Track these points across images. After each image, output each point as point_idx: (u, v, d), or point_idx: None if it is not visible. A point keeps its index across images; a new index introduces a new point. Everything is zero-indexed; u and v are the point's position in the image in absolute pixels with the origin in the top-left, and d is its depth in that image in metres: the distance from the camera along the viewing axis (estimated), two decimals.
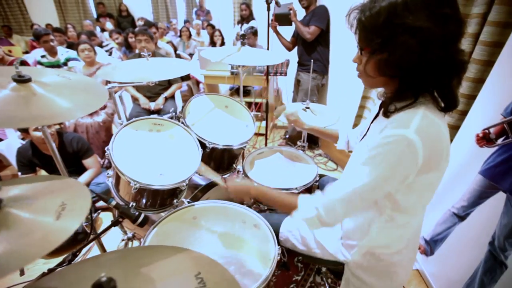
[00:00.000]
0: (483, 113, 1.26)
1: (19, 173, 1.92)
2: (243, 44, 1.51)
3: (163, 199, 1.15)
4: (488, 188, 1.23)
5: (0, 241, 0.45)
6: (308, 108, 1.55)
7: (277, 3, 1.86)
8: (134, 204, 1.11)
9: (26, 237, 0.47)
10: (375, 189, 0.68)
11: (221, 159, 1.41)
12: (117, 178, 1.12)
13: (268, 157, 1.54)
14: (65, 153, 1.95)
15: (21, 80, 0.71)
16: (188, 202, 1.18)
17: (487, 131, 1.22)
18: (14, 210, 0.51)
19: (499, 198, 1.16)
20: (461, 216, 1.36)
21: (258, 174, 1.36)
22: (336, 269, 0.97)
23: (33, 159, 1.90)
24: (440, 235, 1.48)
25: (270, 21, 2.44)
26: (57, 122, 0.79)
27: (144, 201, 1.15)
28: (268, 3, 1.71)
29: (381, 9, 0.61)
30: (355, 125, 2.28)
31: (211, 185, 1.42)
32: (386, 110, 0.71)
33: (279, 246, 0.96)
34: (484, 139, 1.24)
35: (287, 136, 3.11)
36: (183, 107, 1.36)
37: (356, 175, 0.70)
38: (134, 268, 0.65)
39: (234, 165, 1.48)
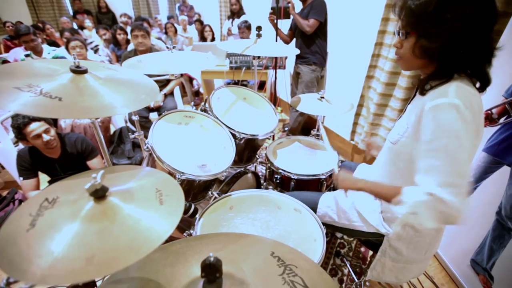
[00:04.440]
0: (485, 95, 1.37)
1: (21, 178, 1.81)
2: (258, 36, 1.53)
3: (200, 191, 1.16)
4: (492, 164, 1.35)
5: (116, 232, 0.45)
6: (323, 97, 1.60)
7: None
8: None
9: (138, 224, 0.47)
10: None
11: (246, 149, 1.42)
12: None
13: (289, 146, 1.58)
14: (69, 155, 1.87)
15: (78, 71, 0.69)
16: (218, 195, 1.19)
17: (489, 111, 1.34)
18: (117, 199, 0.50)
19: (503, 172, 1.28)
20: None
21: (284, 162, 1.40)
22: (376, 240, 1.03)
23: (35, 163, 1.80)
24: None
25: (268, 14, 2.47)
26: (105, 115, 0.78)
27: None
28: None
29: None
30: (357, 115, 2.38)
31: (235, 177, 1.44)
32: (422, 89, 0.79)
33: (324, 226, 1.00)
34: (487, 119, 1.36)
35: (287, 129, 3.17)
36: (206, 99, 1.36)
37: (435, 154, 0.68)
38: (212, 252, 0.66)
39: (257, 156, 1.51)
